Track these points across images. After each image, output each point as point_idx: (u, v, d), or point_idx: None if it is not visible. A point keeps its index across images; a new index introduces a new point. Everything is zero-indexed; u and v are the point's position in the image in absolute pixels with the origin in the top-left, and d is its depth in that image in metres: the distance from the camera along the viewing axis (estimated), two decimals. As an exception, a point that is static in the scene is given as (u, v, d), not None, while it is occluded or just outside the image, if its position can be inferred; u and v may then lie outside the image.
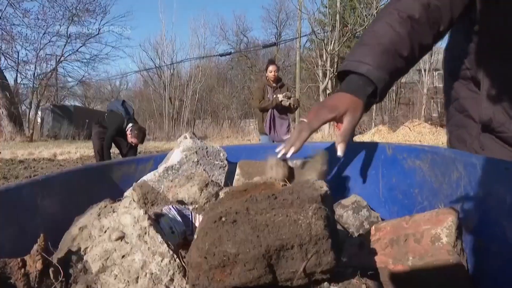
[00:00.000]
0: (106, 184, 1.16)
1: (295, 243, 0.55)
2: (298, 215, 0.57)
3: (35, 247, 0.63)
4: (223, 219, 0.58)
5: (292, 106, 5.73)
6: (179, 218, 0.76)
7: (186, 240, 0.75)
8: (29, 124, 20.23)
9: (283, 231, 0.55)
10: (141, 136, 6.61)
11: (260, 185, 0.76)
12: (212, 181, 0.94)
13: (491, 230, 0.72)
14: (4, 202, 0.82)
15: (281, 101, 5.65)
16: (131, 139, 6.49)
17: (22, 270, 0.60)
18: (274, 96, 5.77)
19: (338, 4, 22.57)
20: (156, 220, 0.74)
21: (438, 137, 18.54)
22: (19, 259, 0.61)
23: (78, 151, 11.43)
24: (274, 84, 5.96)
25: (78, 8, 21.53)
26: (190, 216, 0.79)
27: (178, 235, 0.74)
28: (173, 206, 0.79)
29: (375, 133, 20.05)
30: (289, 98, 5.63)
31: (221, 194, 0.88)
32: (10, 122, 18.65)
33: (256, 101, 5.93)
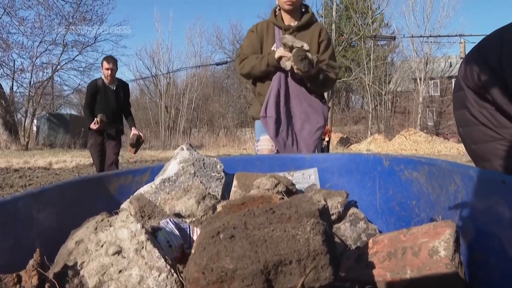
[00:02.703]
0: (103, 195, 1.15)
1: (293, 259, 0.54)
2: (296, 230, 0.57)
3: (31, 262, 0.62)
4: (221, 234, 0.57)
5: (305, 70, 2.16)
6: (176, 232, 0.75)
7: (184, 253, 0.74)
8: (25, 133, 20.13)
9: (281, 246, 0.55)
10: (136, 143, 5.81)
11: (257, 198, 0.76)
12: (209, 193, 0.94)
13: (489, 242, 0.72)
14: (-1, 215, 0.82)
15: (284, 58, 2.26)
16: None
17: (18, 286, 0.59)
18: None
19: (334, 14, 22.73)
20: (153, 234, 0.73)
21: (433, 146, 18.60)
22: (14, 275, 0.60)
23: (73, 160, 11.37)
24: (290, 22, 2.47)
25: (74, 16, 21.55)
26: (188, 230, 0.78)
27: (175, 249, 0.74)
28: (171, 219, 0.79)
29: (371, 142, 20.11)
30: (303, 57, 2.13)
31: (219, 207, 0.87)
32: (5, 130, 18.56)
33: (238, 59, 2.54)
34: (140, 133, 5.83)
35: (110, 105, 5.66)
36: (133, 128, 5.88)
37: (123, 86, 5.89)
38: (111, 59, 5.62)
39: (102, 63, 5.63)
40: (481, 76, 1.51)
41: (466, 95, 1.60)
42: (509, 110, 1.43)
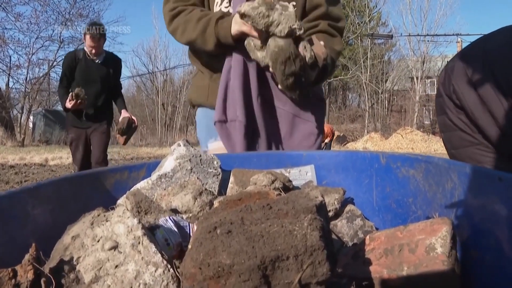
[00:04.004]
0: (99, 191, 1.15)
1: (290, 254, 0.54)
2: (294, 225, 0.57)
3: (27, 256, 0.62)
4: (218, 230, 0.57)
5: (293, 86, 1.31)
6: (175, 230, 0.75)
7: (182, 252, 0.74)
8: (21, 129, 20.06)
9: (278, 242, 0.55)
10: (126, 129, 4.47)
11: (254, 194, 0.75)
12: (206, 189, 0.94)
13: (486, 240, 0.72)
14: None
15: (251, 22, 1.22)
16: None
17: (13, 280, 0.59)
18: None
19: (331, 12, 22.70)
20: (152, 232, 0.73)
21: (430, 145, 18.67)
22: (9, 269, 0.60)
23: (69, 157, 11.29)
24: None
25: (71, 13, 21.46)
26: (187, 228, 0.78)
27: (173, 247, 0.73)
28: (170, 217, 0.78)
29: (368, 140, 20.17)
30: (292, 56, 1.21)
31: (215, 203, 0.87)
32: (1, 126, 18.50)
33: (166, 8, 1.59)
34: (132, 117, 4.50)
35: (93, 83, 4.38)
36: (123, 111, 4.56)
37: (113, 61, 4.59)
38: (96, 34, 4.26)
39: (84, 37, 4.36)
40: (458, 86, 1.54)
41: (444, 101, 1.64)
42: (483, 124, 1.46)
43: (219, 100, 1.52)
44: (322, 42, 1.42)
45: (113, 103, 4.78)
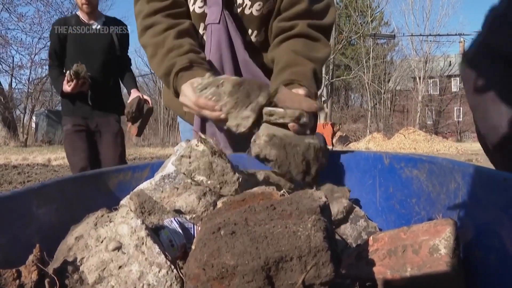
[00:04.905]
0: (102, 192, 1.15)
1: (294, 255, 0.54)
2: (297, 226, 0.57)
3: (31, 257, 0.62)
4: (222, 230, 0.57)
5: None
6: (180, 231, 0.75)
7: (186, 253, 0.74)
8: (23, 129, 20.14)
9: (282, 242, 0.55)
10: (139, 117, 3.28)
11: (258, 194, 0.75)
12: (210, 190, 0.94)
13: (490, 241, 0.72)
14: (-2, 210, 0.81)
15: None
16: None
17: (17, 281, 0.59)
18: None
19: (333, 12, 22.71)
20: (156, 233, 0.73)
21: (432, 145, 18.65)
22: (14, 270, 0.60)
23: (72, 157, 11.34)
24: None
25: (74, 13, 21.54)
26: (192, 229, 0.78)
27: (177, 248, 0.73)
28: (175, 218, 0.79)
29: (370, 140, 20.14)
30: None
31: (219, 204, 0.87)
32: (4, 127, 18.57)
33: (140, 21, 1.40)
34: (144, 96, 3.34)
35: (91, 56, 3.21)
36: (133, 91, 3.37)
37: (116, 26, 3.37)
38: None
39: None
40: None
41: None
42: None
43: (196, 128, 1.40)
44: (300, 91, 1.15)
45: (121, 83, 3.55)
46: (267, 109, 1.03)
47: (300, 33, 1.32)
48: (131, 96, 3.34)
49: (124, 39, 3.43)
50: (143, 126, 3.35)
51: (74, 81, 3.00)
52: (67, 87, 3.06)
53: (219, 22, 1.33)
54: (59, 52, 3.26)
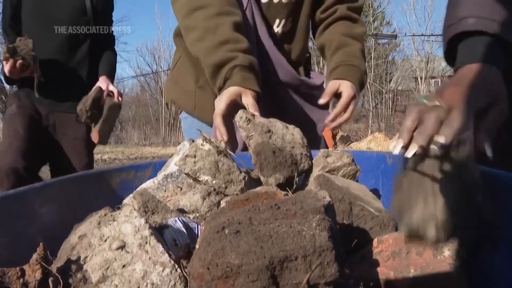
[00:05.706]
0: (105, 190, 1.15)
1: (299, 255, 0.54)
2: (302, 226, 0.57)
3: (34, 256, 0.62)
4: (226, 229, 0.57)
5: None
6: (184, 231, 0.75)
7: (190, 253, 0.74)
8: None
9: (287, 242, 0.55)
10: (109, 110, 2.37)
11: (262, 194, 0.75)
12: (214, 189, 0.93)
13: (494, 242, 0.72)
14: (1, 209, 0.81)
15: None
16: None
17: (21, 279, 0.59)
18: None
19: (335, 12, 22.69)
20: (160, 232, 0.73)
21: (434, 145, 18.55)
22: (18, 268, 0.60)
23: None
24: None
25: (75, 12, 21.54)
26: (196, 229, 0.78)
27: (181, 248, 0.73)
28: (179, 218, 0.78)
29: (371, 140, 20.08)
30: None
31: (222, 203, 0.87)
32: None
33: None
34: (111, 88, 2.43)
35: (56, 24, 2.31)
36: (101, 78, 2.46)
37: None
38: None
39: None
40: None
41: None
42: None
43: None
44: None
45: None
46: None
47: (342, 15, 1.47)
48: (97, 84, 2.42)
49: (103, 4, 2.54)
50: (107, 129, 2.42)
51: (10, 61, 2.10)
52: (5, 69, 2.18)
53: (245, 9, 1.35)
54: (13, 24, 2.39)
